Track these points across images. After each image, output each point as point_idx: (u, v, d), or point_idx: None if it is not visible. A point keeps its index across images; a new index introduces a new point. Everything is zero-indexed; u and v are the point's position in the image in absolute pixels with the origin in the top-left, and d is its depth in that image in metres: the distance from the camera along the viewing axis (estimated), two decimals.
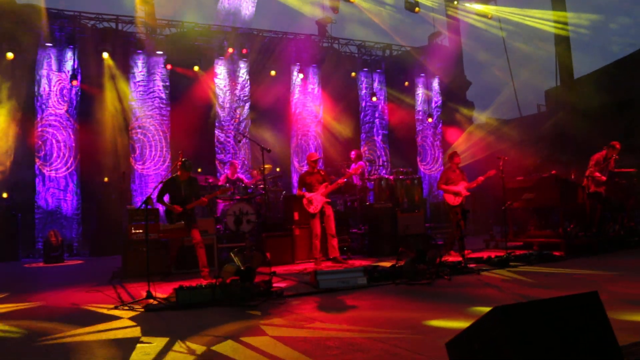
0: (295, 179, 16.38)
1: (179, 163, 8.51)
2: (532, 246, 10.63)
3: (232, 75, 15.84)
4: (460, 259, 8.80)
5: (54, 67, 13.86)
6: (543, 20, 17.94)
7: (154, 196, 8.02)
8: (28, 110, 13.52)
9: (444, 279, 7.47)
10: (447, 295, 6.43)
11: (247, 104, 15.93)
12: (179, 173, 8.53)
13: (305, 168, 16.36)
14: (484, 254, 9.63)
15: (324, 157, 16.52)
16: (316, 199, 9.63)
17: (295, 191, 16.03)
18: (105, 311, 6.14)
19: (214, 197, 10.19)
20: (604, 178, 10.74)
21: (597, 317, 3.09)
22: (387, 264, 8.54)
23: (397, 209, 11.70)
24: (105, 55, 14.06)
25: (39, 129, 13.58)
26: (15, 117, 13.31)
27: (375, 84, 17.98)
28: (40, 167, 13.50)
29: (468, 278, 7.62)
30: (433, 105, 19.04)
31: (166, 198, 8.56)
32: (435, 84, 19.12)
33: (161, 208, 9.30)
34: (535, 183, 11.23)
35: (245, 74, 16.01)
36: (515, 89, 18.78)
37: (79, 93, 14.08)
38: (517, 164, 13.67)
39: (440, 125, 19.13)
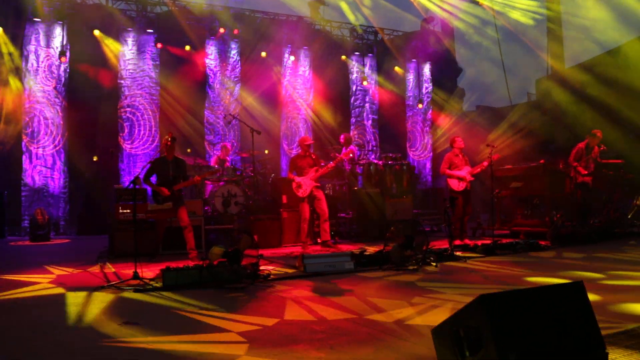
0: (284, 162, 16.36)
1: (168, 141, 8.43)
2: (519, 235, 10.72)
3: (223, 55, 15.72)
4: (468, 242, 8.90)
5: (42, 42, 13.68)
6: (530, 10, 17.89)
7: (142, 176, 7.95)
8: (15, 87, 13.36)
9: (431, 265, 7.51)
10: (432, 281, 6.47)
11: (238, 85, 15.84)
12: (165, 153, 8.47)
13: (294, 151, 16.36)
14: (471, 242, 9.70)
15: (314, 140, 16.48)
16: (305, 183, 9.61)
17: (285, 174, 16.20)
18: (86, 292, 6.12)
19: (204, 178, 10.21)
20: (585, 171, 10.82)
21: (581, 306, 3.13)
22: (374, 249, 8.58)
23: (385, 194, 11.73)
24: (96, 32, 13.90)
25: (27, 106, 13.44)
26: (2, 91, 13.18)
27: (367, 69, 17.92)
28: (27, 144, 13.38)
29: (454, 265, 7.68)
30: (424, 91, 19.03)
31: (153, 179, 8.49)
32: (427, 70, 19.09)
33: (149, 189, 9.26)
34: (523, 172, 11.31)
35: (236, 54, 15.89)
36: (506, 77, 18.78)
37: (68, 70, 13.91)
38: (506, 153, 13.75)
39: (430, 112, 19.14)
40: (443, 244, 9.06)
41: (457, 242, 9.70)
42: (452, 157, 10.40)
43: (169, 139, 8.46)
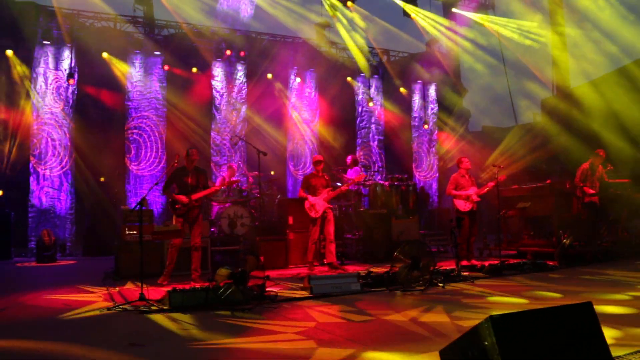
0: (290, 183, 16.39)
1: (194, 154, 8.42)
2: (526, 255, 10.67)
3: (230, 77, 15.86)
4: (475, 263, 8.92)
5: (51, 65, 13.83)
6: (534, 33, 18.00)
7: (161, 187, 8.16)
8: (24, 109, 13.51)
9: (438, 286, 7.48)
10: (440, 302, 6.44)
11: (244, 107, 15.94)
12: (185, 164, 8.42)
13: (301, 172, 16.41)
14: (478, 263, 9.66)
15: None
16: (319, 204, 9.63)
17: (292, 195, 16.24)
18: (97, 312, 6.12)
19: (230, 185, 10.35)
20: (592, 191, 10.79)
21: (591, 328, 3.12)
22: (381, 270, 8.56)
23: (392, 215, 11.72)
24: (105, 55, 14.05)
25: (35, 127, 13.54)
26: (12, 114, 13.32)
27: (372, 90, 18.02)
28: (34, 165, 13.46)
29: (461, 286, 7.64)
30: (429, 112, 19.09)
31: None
32: (432, 90, 19.18)
33: (157, 208, 9.29)
34: (530, 192, 11.28)
35: (242, 76, 16.02)
36: (512, 97, 18.84)
37: (75, 92, 14.04)
38: (511, 173, 13.73)
39: (436, 132, 19.19)
40: (450, 265, 9.02)
41: (464, 262, 9.66)
42: (459, 177, 10.41)
43: (191, 152, 8.47)
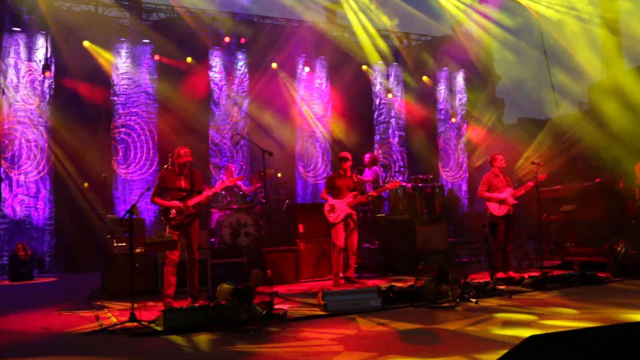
0: (300, 186, 16.41)
1: (187, 156, 8.05)
2: (573, 266, 10.58)
3: (229, 67, 15.91)
4: (512, 275, 8.98)
5: (23, 55, 13.80)
6: (579, 10, 17.86)
7: (150, 195, 7.94)
8: None
9: (470, 302, 7.45)
10: (473, 319, 6.41)
11: (246, 101, 15.99)
12: (176, 165, 8.05)
13: (311, 173, 16.42)
14: (517, 275, 9.61)
15: (332, 161, 16.56)
16: (340, 208, 9.60)
17: (301, 200, 16.24)
18: (81, 337, 6.16)
19: (218, 191, 9.89)
20: None
21: None
22: (404, 284, 8.54)
23: (415, 221, 11.69)
24: (86, 43, 14.09)
25: (6, 127, 13.54)
26: None
27: (391, 79, 18.00)
28: (7, 170, 13.48)
29: (497, 301, 7.60)
30: (457, 103, 19.05)
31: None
32: (460, 78, 19.14)
33: (149, 216, 9.29)
34: (575, 193, 11.21)
35: (243, 66, 16.07)
36: (553, 84, 18.72)
37: (53, 86, 14.08)
38: (552, 171, 13.66)
39: (465, 126, 19.13)
40: (484, 277, 8.98)
41: (500, 274, 9.61)
42: (492, 177, 10.34)
43: (181, 151, 8.09)
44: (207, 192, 8.20)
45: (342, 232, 9.61)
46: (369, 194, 9.99)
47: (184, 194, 8.01)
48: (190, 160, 8.09)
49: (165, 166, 8.14)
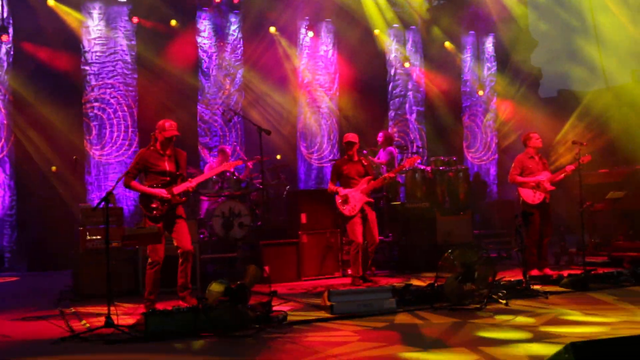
0: (302, 169, 16.39)
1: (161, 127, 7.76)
2: (622, 263, 10.58)
3: (220, 32, 15.83)
4: (549, 272, 9.11)
5: None
6: None
7: (124, 179, 7.61)
8: None
9: (499, 303, 7.45)
10: (503, 324, 6.42)
11: (240, 71, 15.93)
12: (158, 143, 7.81)
13: (315, 155, 16.40)
14: (554, 272, 9.61)
15: (340, 140, 16.52)
16: (354, 197, 9.53)
17: (303, 185, 16.24)
18: (48, 345, 6.17)
19: (204, 180, 9.68)
20: None
21: None
22: (422, 283, 8.55)
23: (436, 210, 11.69)
24: (50, 1, 13.99)
25: None
26: None
27: (409, 46, 17.91)
28: None
29: (531, 303, 7.61)
30: (485, 73, 18.95)
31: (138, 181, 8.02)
32: (489, 44, 19.02)
33: (128, 203, 9.27)
34: (625, 177, 11.17)
35: (237, 31, 16.00)
36: (600, 50, 18.55)
37: (12, 52, 14.00)
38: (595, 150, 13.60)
39: (495, 100, 19.05)
40: (515, 275, 8.98)
41: (535, 272, 9.62)
42: (526, 159, 10.30)
43: (166, 124, 7.78)
44: (193, 181, 7.92)
45: (360, 227, 9.54)
46: (384, 176, 9.93)
47: (168, 178, 7.74)
48: (177, 135, 7.80)
49: (148, 146, 7.87)
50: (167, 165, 7.75)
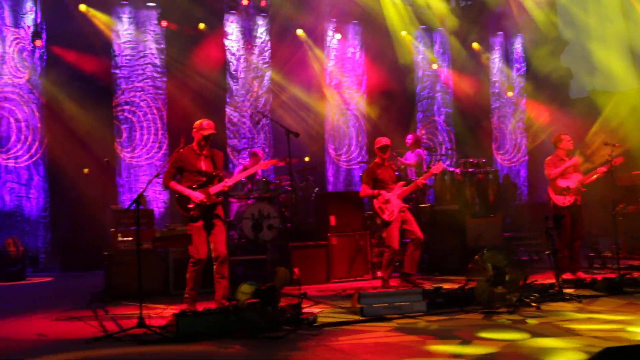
0: (330, 172, 16.40)
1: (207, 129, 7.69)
2: None
3: (248, 35, 15.91)
4: (582, 275, 9.06)
5: (9, 21, 13.88)
6: None
7: (162, 179, 7.58)
8: None
9: (531, 307, 7.39)
10: (535, 328, 6.36)
11: (268, 74, 16.00)
12: (195, 143, 7.72)
13: (343, 158, 16.40)
14: (587, 276, 9.51)
15: (367, 143, 16.53)
16: (393, 202, 9.47)
17: (332, 187, 16.23)
18: (81, 345, 6.23)
19: (238, 181, 9.86)
20: None
21: None
22: (453, 285, 8.50)
23: (465, 212, 11.64)
24: (82, 7, 14.16)
25: None
26: None
27: (437, 47, 17.86)
28: None
29: (564, 307, 7.54)
30: (514, 74, 18.85)
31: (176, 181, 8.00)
32: (518, 44, 18.92)
33: (158, 205, 9.31)
34: None
35: (264, 33, 16.06)
36: (633, 47, 18.30)
37: (45, 57, 14.21)
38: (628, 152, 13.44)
39: (524, 101, 18.92)
40: (547, 279, 8.90)
41: (567, 275, 9.52)
42: (556, 161, 10.22)
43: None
44: (229, 181, 7.78)
45: (397, 232, 9.45)
46: (418, 182, 9.82)
47: (204, 178, 7.61)
48: (214, 134, 7.75)
49: (177, 149, 7.67)
50: (204, 165, 7.64)
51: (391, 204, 9.44)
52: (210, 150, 7.76)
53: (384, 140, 9.79)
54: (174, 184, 7.57)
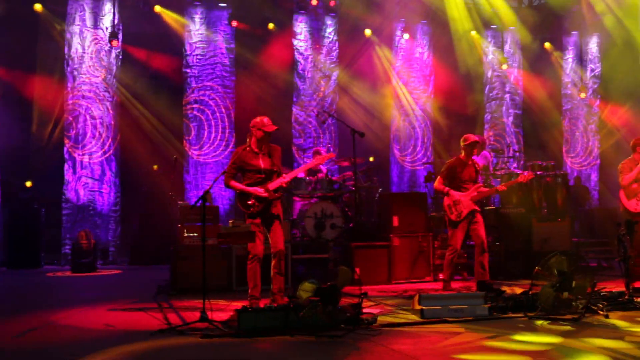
0: (395, 172, 16.36)
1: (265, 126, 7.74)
2: None
3: (316, 35, 16.01)
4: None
5: (89, 22, 14.36)
6: None
7: (224, 178, 7.72)
8: (58, 77, 14.20)
9: (598, 314, 7.23)
10: (604, 338, 6.22)
11: (335, 74, 16.05)
12: (254, 140, 7.79)
13: (409, 157, 16.32)
14: None
15: (434, 143, 16.44)
16: (464, 203, 9.24)
17: (396, 188, 16.18)
18: (147, 336, 6.39)
19: (298, 176, 10.08)
20: None
21: None
22: (517, 290, 8.39)
23: (532, 216, 11.46)
24: (157, 8, 14.51)
25: (70, 101, 14.17)
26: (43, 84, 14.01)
27: (507, 47, 17.61)
28: (70, 149, 14.12)
29: (634, 315, 7.35)
30: (588, 75, 18.46)
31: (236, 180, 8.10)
32: (593, 44, 18.52)
33: (224, 201, 9.41)
34: None
35: (332, 33, 16.14)
36: None
37: (120, 57, 14.62)
38: None
39: (598, 103, 18.49)
40: (617, 287, 8.69)
41: (638, 284, 9.27)
42: (633, 165, 9.97)
43: (263, 121, 7.76)
44: (287, 176, 7.82)
45: (462, 234, 9.30)
46: (497, 187, 9.65)
47: (263, 175, 7.73)
48: (277, 129, 7.82)
49: (244, 146, 7.84)
50: (262, 163, 7.73)
51: (461, 204, 9.25)
52: (268, 146, 7.83)
53: (472, 137, 9.48)
54: (234, 183, 7.73)
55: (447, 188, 9.36)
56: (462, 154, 9.50)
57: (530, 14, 17.59)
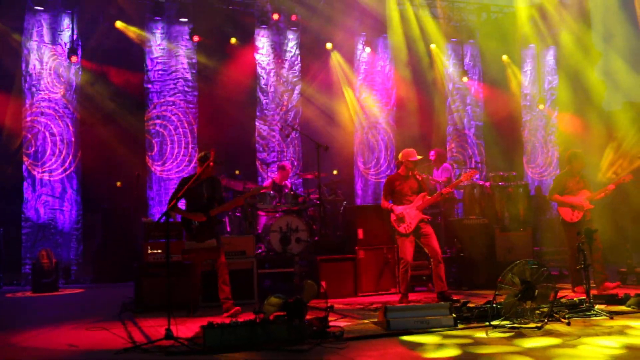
0: (359, 185, 16.41)
1: (211, 161, 8.44)
2: None
3: (278, 49, 16.03)
4: (608, 285, 8.99)
5: (47, 38, 14.14)
6: None
7: (170, 202, 8.17)
8: (14, 94, 13.98)
9: (561, 322, 7.33)
10: (566, 345, 6.31)
11: (298, 87, 16.09)
12: (199, 173, 8.43)
13: (372, 171, 16.40)
14: (619, 291, 9.40)
15: (397, 156, 16.52)
16: (410, 215, 9.36)
17: (360, 200, 16.22)
18: (111, 356, 6.33)
19: (250, 195, 10.52)
20: None
21: None
22: (481, 300, 8.47)
23: (495, 226, 11.59)
24: (119, 23, 14.42)
25: (28, 118, 13.92)
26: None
27: (467, 60, 17.81)
28: (29, 167, 13.86)
29: (596, 322, 7.46)
30: (546, 86, 18.71)
31: (182, 205, 8.71)
32: (550, 57, 18.77)
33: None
34: None
35: (294, 47, 16.17)
36: None
37: (80, 72, 14.44)
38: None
39: (556, 114, 18.76)
40: (577, 294, 8.83)
41: (599, 290, 9.44)
42: (567, 178, 10.50)
43: (211, 158, 8.41)
44: (239, 199, 9.39)
45: (411, 246, 9.38)
46: (442, 191, 9.68)
47: (206, 204, 8.59)
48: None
49: (207, 163, 8.46)
50: (205, 193, 8.60)
51: (408, 216, 9.35)
52: (211, 178, 8.71)
53: (413, 155, 9.62)
54: (178, 208, 8.50)
55: (390, 204, 9.51)
56: (401, 168, 9.68)
57: (488, 28, 17.87)
